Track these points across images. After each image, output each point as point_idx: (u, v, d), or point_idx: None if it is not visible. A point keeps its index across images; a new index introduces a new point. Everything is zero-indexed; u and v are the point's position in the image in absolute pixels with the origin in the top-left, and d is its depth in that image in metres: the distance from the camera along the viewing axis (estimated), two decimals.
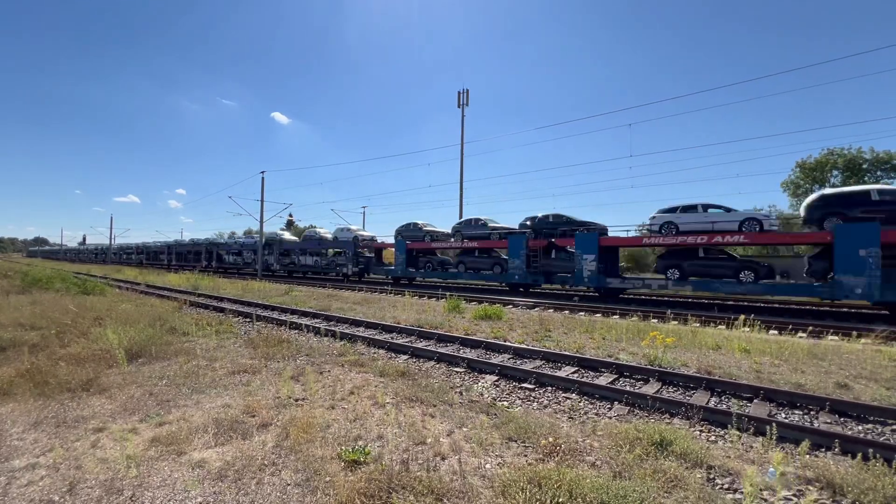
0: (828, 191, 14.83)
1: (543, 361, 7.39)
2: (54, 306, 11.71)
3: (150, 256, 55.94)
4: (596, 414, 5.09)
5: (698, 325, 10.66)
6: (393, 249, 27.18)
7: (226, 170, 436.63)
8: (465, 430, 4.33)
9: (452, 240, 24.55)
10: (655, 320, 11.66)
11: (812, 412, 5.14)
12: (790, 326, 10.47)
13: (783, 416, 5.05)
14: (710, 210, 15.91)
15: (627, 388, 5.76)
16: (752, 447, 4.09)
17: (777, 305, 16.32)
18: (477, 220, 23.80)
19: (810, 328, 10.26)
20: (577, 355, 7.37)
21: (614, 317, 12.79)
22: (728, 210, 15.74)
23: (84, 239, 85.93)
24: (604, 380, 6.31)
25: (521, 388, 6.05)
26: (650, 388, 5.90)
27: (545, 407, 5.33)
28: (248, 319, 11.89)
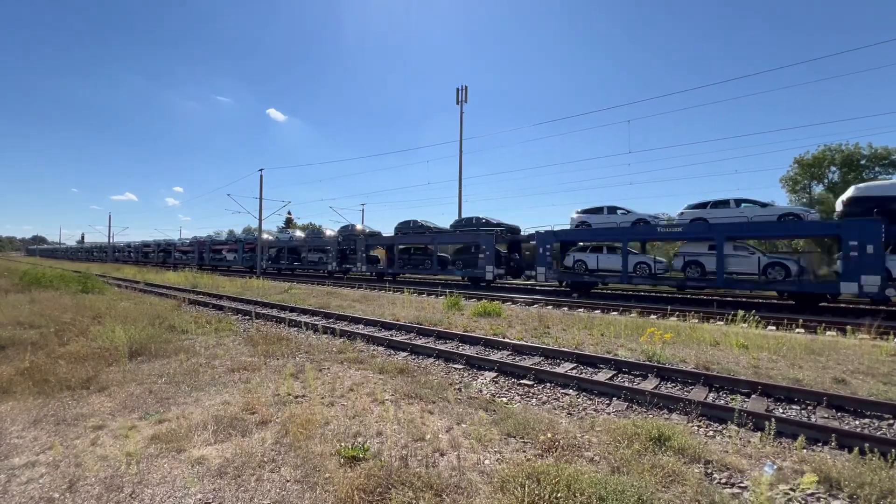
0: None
1: (542, 358, 7.41)
2: (53, 305, 11.71)
3: (142, 255, 57.95)
4: (594, 410, 5.11)
5: (697, 321, 10.69)
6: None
7: (223, 167, 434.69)
8: (463, 426, 4.35)
9: None
10: (654, 316, 11.70)
11: (810, 407, 5.16)
12: (785, 321, 10.51)
13: (781, 411, 5.07)
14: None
15: (626, 384, 5.78)
16: (750, 442, 4.11)
17: (775, 301, 16.37)
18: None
19: (808, 324, 10.29)
20: (576, 352, 7.39)
21: (613, 313, 12.82)
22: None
23: (83, 237, 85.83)
24: (602, 376, 6.33)
25: (519, 384, 6.06)
26: (648, 384, 5.92)
27: (544, 403, 5.34)
28: (247, 317, 11.88)
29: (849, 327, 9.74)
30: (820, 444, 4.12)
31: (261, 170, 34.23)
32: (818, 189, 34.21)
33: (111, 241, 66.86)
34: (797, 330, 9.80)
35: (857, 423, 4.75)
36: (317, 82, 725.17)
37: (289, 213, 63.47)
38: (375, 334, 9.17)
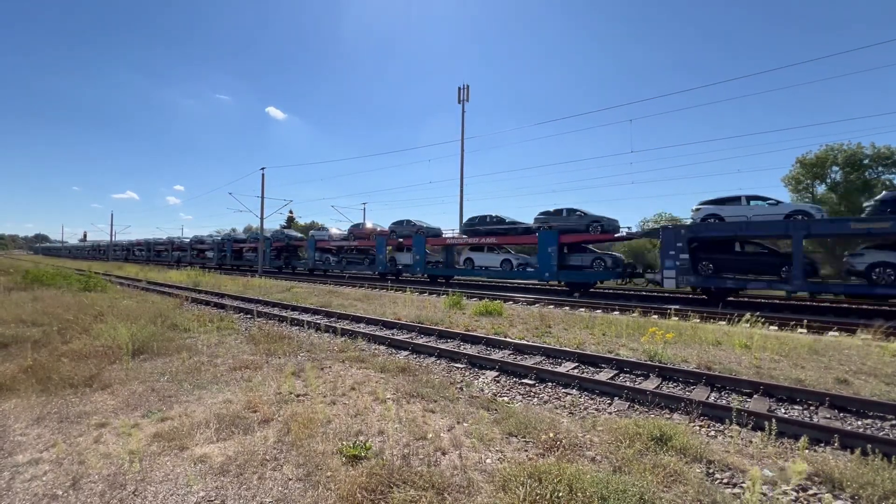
0: None
1: (544, 357, 7.40)
2: (56, 303, 11.75)
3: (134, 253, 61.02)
4: (596, 409, 5.10)
5: (699, 320, 10.67)
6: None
7: (223, 166, 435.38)
8: (465, 425, 4.35)
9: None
10: (656, 316, 11.67)
11: (812, 407, 5.15)
12: (792, 322, 10.48)
13: (783, 411, 5.06)
14: None
15: (627, 384, 5.77)
16: (751, 442, 4.10)
17: (777, 301, 16.34)
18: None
19: (811, 324, 10.26)
20: (578, 351, 7.39)
21: (614, 313, 12.81)
22: None
23: (85, 236, 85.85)
24: (604, 375, 6.33)
25: (521, 383, 6.06)
26: (650, 384, 5.91)
27: (545, 402, 5.34)
28: (248, 316, 11.91)
29: (858, 328, 9.71)
30: (822, 445, 4.11)
31: (262, 168, 34.26)
32: (821, 189, 34.08)
33: (112, 239, 67.10)
34: (800, 330, 9.78)
35: (859, 423, 4.74)
36: (316, 80, 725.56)
37: (290, 211, 63.42)
38: (377, 333, 9.17)
